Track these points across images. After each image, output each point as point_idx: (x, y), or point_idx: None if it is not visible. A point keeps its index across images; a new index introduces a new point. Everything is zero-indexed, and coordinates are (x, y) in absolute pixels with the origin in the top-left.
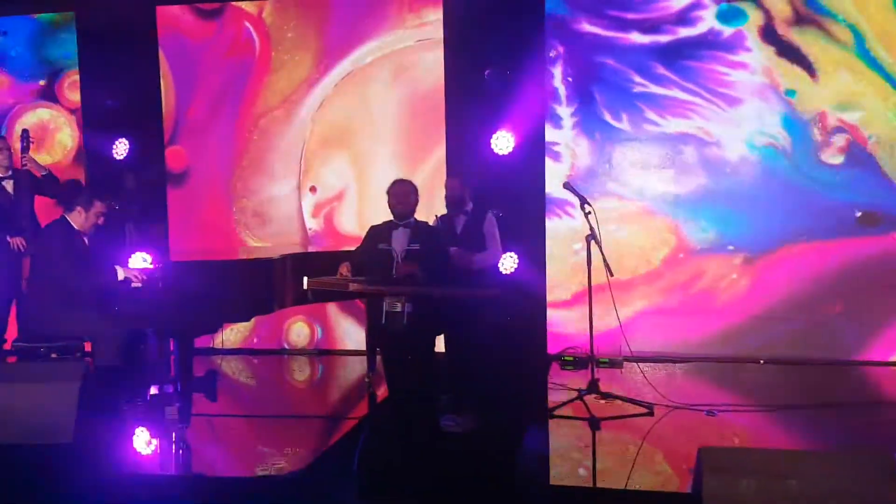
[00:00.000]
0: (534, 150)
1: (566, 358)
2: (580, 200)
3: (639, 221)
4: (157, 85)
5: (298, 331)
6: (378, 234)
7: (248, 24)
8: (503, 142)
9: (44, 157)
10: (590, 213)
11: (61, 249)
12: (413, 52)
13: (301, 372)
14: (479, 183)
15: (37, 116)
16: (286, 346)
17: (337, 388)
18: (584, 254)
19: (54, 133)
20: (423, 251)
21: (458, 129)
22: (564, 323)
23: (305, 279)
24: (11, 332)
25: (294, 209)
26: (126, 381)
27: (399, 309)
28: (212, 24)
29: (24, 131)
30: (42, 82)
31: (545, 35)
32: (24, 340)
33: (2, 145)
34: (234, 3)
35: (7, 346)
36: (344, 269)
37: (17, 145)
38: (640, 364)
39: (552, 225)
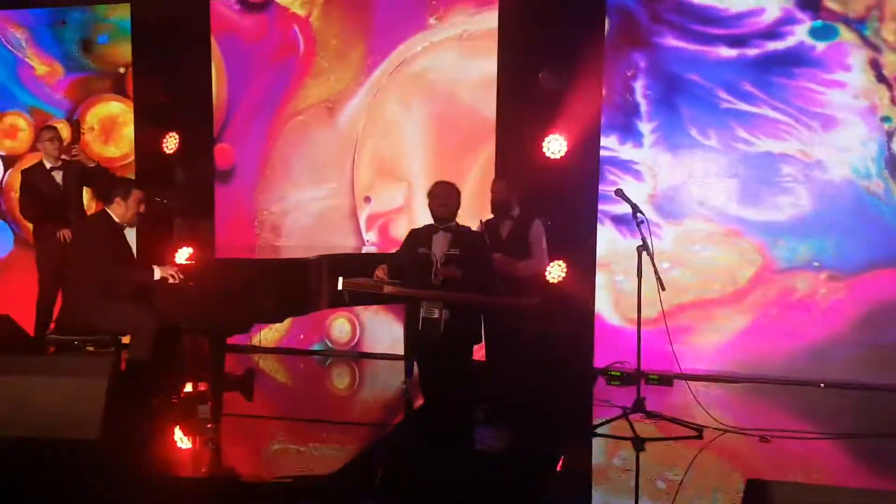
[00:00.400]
0: (588, 156)
1: (613, 373)
2: (632, 209)
3: (725, 242)
4: (209, 80)
5: (340, 327)
6: (418, 237)
7: (296, 26)
8: (555, 145)
9: (111, 150)
10: (642, 222)
11: (100, 242)
12: (455, 48)
13: (339, 374)
14: (528, 187)
15: (108, 109)
16: (328, 342)
17: (374, 393)
18: (672, 273)
19: (122, 127)
20: (463, 257)
21: (508, 130)
22: (648, 341)
23: (340, 280)
24: None
25: (323, 214)
26: (159, 377)
27: (436, 315)
28: (263, 24)
29: (75, 121)
30: (122, 70)
31: (605, 34)
32: (59, 333)
33: (53, 135)
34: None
35: None
36: (380, 271)
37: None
38: (691, 383)
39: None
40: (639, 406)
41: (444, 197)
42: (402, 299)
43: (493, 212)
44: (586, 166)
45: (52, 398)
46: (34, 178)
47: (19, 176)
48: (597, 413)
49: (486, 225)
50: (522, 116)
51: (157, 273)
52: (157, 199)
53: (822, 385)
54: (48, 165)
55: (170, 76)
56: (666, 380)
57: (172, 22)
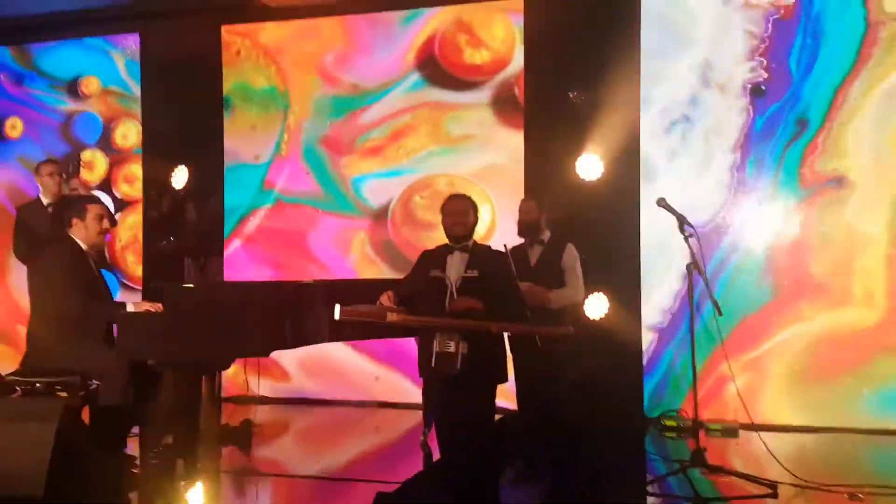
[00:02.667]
0: (627, 176)
1: (667, 422)
2: (679, 221)
3: None
4: (220, 109)
5: None
6: (431, 259)
7: None
8: (590, 165)
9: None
10: (691, 235)
11: (65, 272)
12: None
13: (349, 423)
14: (559, 208)
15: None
16: None
17: (390, 446)
18: None
19: None
20: (482, 279)
21: (538, 150)
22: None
23: (337, 307)
24: None
25: None
26: (133, 424)
27: (452, 349)
28: None
29: (75, 155)
30: None
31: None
32: (23, 374)
33: (52, 169)
34: None
35: None
36: (385, 298)
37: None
38: (763, 434)
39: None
40: (698, 458)
41: (460, 213)
42: (410, 329)
43: (520, 234)
44: (627, 187)
45: None
46: (27, 216)
47: None
48: (650, 469)
49: (512, 251)
50: (552, 134)
51: (131, 308)
52: (163, 241)
53: None
54: (45, 202)
55: (178, 105)
56: (730, 431)
57: (182, 50)
